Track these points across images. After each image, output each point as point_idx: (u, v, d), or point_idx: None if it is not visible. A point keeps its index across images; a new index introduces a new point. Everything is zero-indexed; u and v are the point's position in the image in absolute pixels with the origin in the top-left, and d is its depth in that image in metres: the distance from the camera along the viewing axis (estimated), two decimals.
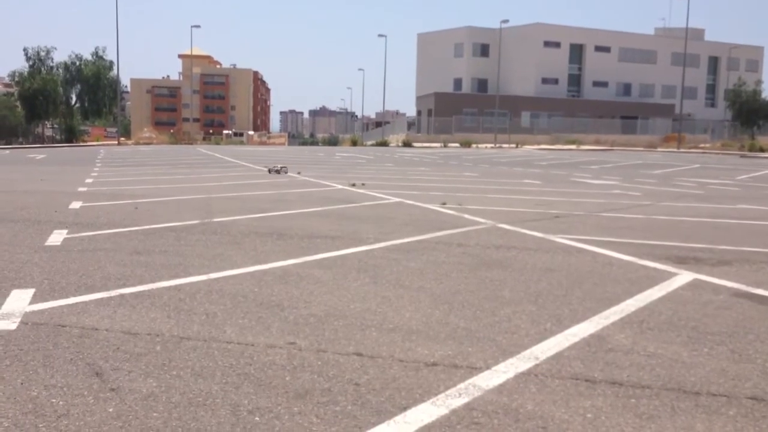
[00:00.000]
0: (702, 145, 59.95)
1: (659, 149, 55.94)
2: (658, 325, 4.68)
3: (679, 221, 10.42)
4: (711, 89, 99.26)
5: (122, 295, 5.27)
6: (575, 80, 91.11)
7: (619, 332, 4.50)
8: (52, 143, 62.55)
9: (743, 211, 12.04)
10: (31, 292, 5.33)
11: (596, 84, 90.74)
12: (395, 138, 68.44)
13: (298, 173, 19.95)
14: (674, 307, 5.19)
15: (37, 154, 36.00)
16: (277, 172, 19.85)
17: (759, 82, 71.93)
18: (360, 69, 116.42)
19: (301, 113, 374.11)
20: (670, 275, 6.31)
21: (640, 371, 3.79)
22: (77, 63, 68.66)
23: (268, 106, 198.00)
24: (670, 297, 5.51)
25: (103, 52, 69.63)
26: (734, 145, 57.92)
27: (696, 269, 6.58)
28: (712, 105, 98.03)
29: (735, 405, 3.36)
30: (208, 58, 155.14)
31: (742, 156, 44.15)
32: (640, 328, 4.62)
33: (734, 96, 74.27)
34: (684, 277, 6.25)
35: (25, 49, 66.81)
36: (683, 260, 7.04)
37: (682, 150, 53.59)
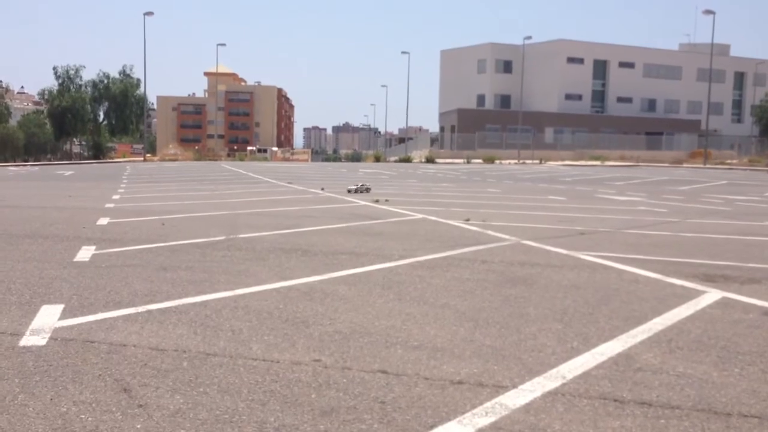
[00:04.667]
0: (728, 161, 59.19)
1: (685, 165, 55.37)
2: (687, 345, 4.63)
3: (706, 238, 10.30)
4: (737, 105, 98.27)
5: (149, 311, 5.32)
6: (599, 96, 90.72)
7: (648, 351, 4.45)
8: (80, 160, 63.51)
9: None
10: (60, 307, 5.40)
11: (620, 100, 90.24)
12: (418, 154, 68.50)
13: (322, 189, 20.03)
14: (703, 325, 5.13)
15: (66, 170, 36.55)
16: (358, 191, 18.68)
17: None
18: (383, 85, 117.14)
19: (325, 129, 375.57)
20: (699, 293, 6.23)
21: (670, 391, 3.74)
22: (105, 81, 69.80)
23: (292, 123, 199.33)
24: (698, 316, 5.44)
25: (131, 70, 70.78)
26: (761, 160, 57.17)
27: (725, 287, 6.49)
28: (739, 121, 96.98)
29: (767, 427, 3.30)
30: (233, 75, 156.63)
31: None
32: (669, 347, 4.57)
33: (761, 111, 73.52)
34: (712, 295, 6.17)
35: (54, 68, 68.16)
36: (711, 278, 6.96)
37: (708, 166, 53.02)
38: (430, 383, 3.82)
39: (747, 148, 76.15)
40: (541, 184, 25.49)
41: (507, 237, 9.80)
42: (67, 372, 3.93)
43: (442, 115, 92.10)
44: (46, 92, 68.53)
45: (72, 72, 68.56)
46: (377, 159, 64.49)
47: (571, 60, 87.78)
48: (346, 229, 10.76)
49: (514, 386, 3.78)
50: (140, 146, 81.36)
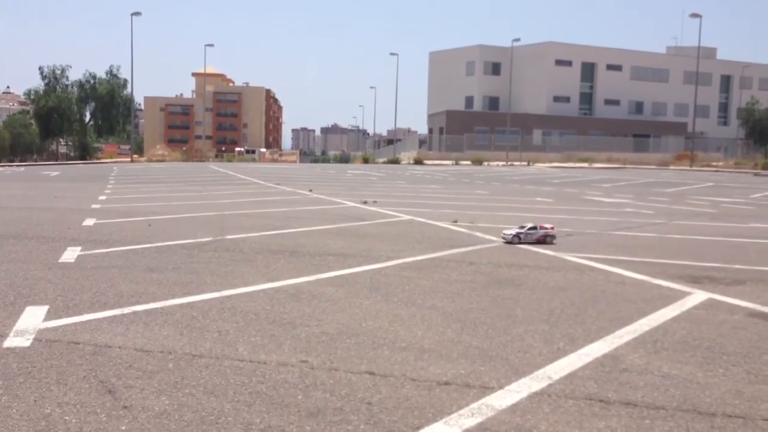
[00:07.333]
0: (715, 164, 59.56)
1: (672, 167, 55.67)
2: (673, 345, 4.65)
3: (692, 240, 10.36)
4: (723, 108, 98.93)
5: (135, 313, 5.29)
6: (587, 98, 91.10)
7: (633, 352, 4.47)
8: (66, 160, 63.10)
9: (757, 230, 11.96)
10: (45, 309, 5.36)
11: (608, 102, 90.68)
12: (407, 156, 68.52)
13: (310, 191, 20.00)
14: (688, 326, 5.15)
15: (52, 171, 36.30)
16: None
17: None
18: (372, 87, 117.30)
19: (313, 131, 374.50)
20: (684, 294, 6.27)
21: (655, 392, 3.76)
22: (92, 81, 69.38)
23: (280, 124, 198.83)
24: (684, 317, 5.47)
25: (118, 70, 70.44)
26: (747, 163, 57.58)
27: (710, 288, 6.53)
28: (725, 123, 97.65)
29: (751, 427, 3.32)
30: (221, 76, 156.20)
31: (756, 174, 43.91)
32: (654, 348, 4.59)
33: (747, 114, 74.01)
34: (698, 296, 6.21)
35: (40, 68, 67.71)
36: (697, 279, 7.00)
37: (694, 168, 53.35)
38: (417, 384, 3.82)
39: (733, 150, 76.68)
40: (529, 186, 25.56)
41: (495, 238, 9.82)
42: (51, 373, 3.90)
43: (431, 117, 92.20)
44: (32, 92, 68.02)
45: (58, 72, 68.13)
46: (366, 160, 64.47)
47: (559, 62, 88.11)
48: (334, 230, 10.75)
49: (501, 387, 3.79)
50: (127, 147, 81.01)
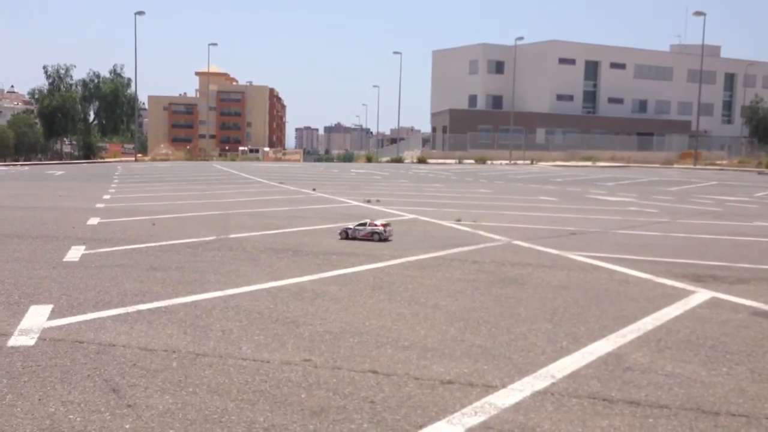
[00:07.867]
0: (719, 162, 59.44)
1: (676, 166, 55.59)
2: (676, 344, 4.64)
3: (696, 239, 10.35)
4: (727, 106, 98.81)
5: (139, 311, 5.30)
6: (590, 97, 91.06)
7: (637, 351, 4.47)
8: (71, 159, 63.19)
9: (761, 229, 11.94)
10: (49, 308, 5.37)
11: (612, 101, 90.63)
12: (410, 154, 68.56)
13: (313, 189, 20.01)
14: (692, 325, 5.15)
15: (56, 170, 36.38)
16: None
17: None
18: (375, 86, 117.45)
19: (317, 130, 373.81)
20: (688, 293, 6.26)
21: (658, 390, 3.76)
22: (96, 80, 69.44)
23: (284, 123, 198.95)
24: (687, 315, 5.46)
25: (121, 69, 70.45)
26: (751, 161, 57.46)
27: (714, 287, 6.52)
28: (729, 122, 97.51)
29: (755, 426, 3.32)
30: (225, 75, 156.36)
31: (760, 173, 43.79)
32: (658, 346, 4.58)
33: (751, 112, 74.00)
34: (702, 295, 6.20)
35: (44, 67, 67.79)
36: (701, 278, 6.99)
37: (698, 167, 53.23)
38: (420, 383, 3.82)
39: (737, 148, 76.54)
40: (533, 185, 25.54)
41: (498, 237, 9.82)
42: (55, 372, 3.91)
43: (434, 116, 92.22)
44: (36, 91, 68.12)
45: (62, 71, 68.19)
46: (369, 159, 64.49)
47: (562, 61, 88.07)
48: (337, 229, 10.74)
49: (504, 386, 3.79)
50: (131, 146, 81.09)
